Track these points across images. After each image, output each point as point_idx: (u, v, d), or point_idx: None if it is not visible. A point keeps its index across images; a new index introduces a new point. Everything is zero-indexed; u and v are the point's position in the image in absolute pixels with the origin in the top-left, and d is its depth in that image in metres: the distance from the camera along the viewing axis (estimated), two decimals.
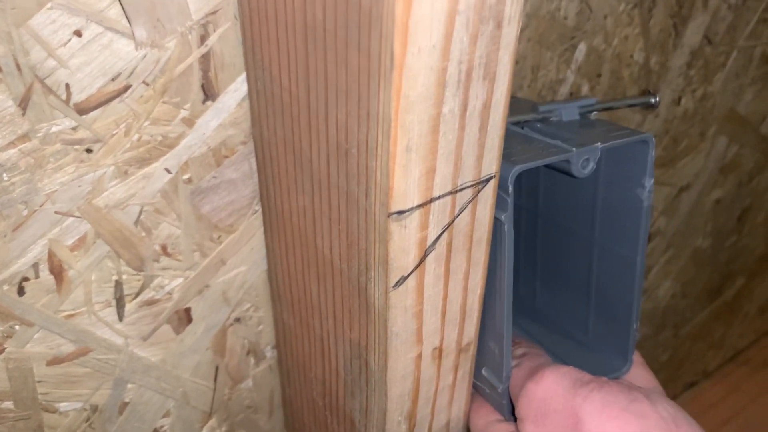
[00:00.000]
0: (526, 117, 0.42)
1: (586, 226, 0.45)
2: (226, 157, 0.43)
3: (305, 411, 0.52)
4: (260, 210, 0.47)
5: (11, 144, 0.36)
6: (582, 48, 0.57)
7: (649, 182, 0.40)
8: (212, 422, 0.54)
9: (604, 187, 0.42)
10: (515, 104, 0.46)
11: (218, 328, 0.50)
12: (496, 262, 0.38)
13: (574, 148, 0.37)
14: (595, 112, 0.44)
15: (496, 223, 0.36)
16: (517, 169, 0.35)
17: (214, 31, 0.39)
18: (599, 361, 0.46)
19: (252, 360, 0.54)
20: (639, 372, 0.44)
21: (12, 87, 0.34)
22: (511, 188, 0.35)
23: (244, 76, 0.41)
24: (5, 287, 0.39)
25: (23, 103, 0.35)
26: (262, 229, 0.48)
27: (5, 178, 0.36)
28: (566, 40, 0.56)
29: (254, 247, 0.48)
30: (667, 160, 0.75)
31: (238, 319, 0.50)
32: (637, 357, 0.45)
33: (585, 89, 0.60)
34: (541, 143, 0.38)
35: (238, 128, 0.43)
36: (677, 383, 1.15)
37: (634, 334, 0.44)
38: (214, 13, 0.38)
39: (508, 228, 0.36)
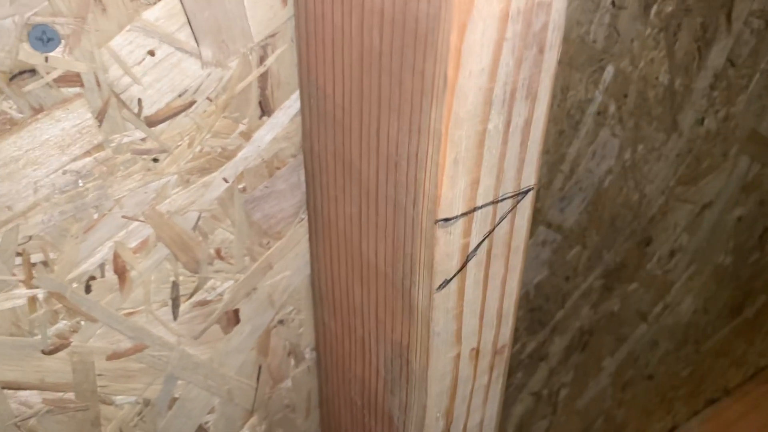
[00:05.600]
0: None
1: None
2: (278, 168, 0.46)
3: (342, 410, 0.55)
4: (306, 218, 0.50)
5: (87, 153, 0.39)
6: (610, 70, 0.60)
7: None
8: (253, 420, 0.57)
9: None
10: None
11: (263, 329, 0.53)
12: None
13: None
14: None
15: None
16: None
17: (273, 52, 0.42)
18: None
19: (292, 361, 0.56)
20: None
21: (91, 101, 0.38)
22: None
23: (297, 93, 0.44)
24: (74, 285, 0.43)
25: (100, 116, 0.38)
26: (306, 236, 0.51)
27: (80, 184, 0.40)
28: (595, 62, 0.59)
29: (299, 253, 0.51)
30: (689, 178, 0.78)
31: (281, 321, 0.53)
32: None
33: (612, 109, 0.63)
34: None
35: (290, 142, 0.46)
36: (698, 399, 1.16)
37: None
38: (273, 35, 0.41)
39: None
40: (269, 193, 0.47)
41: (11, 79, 0.35)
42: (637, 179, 0.72)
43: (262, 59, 0.42)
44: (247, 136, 0.44)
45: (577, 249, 0.72)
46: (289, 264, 0.51)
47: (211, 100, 0.41)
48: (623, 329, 0.88)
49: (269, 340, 0.54)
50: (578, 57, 0.57)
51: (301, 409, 0.60)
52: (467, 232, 0.36)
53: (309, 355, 0.57)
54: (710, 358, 1.11)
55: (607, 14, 0.57)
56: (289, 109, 0.45)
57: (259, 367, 0.54)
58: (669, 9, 0.61)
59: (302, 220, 0.50)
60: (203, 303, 0.48)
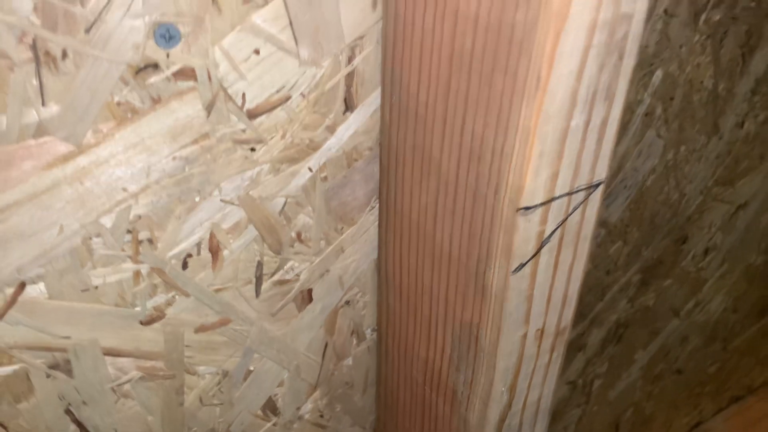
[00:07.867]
0: None
1: None
2: (356, 160, 0.50)
3: (401, 387, 0.58)
4: (376, 206, 0.54)
5: (195, 141, 0.43)
6: (659, 74, 0.64)
7: None
8: (316, 395, 0.61)
9: None
10: None
11: (331, 308, 0.57)
12: None
13: None
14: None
15: None
16: None
17: (360, 52, 0.46)
18: None
19: (354, 340, 0.60)
20: None
21: (203, 94, 0.42)
22: None
23: (378, 91, 0.48)
24: (173, 261, 0.47)
25: (209, 108, 0.42)
26: (375, 223, 0.54)
27: (186, 170, 0.44)
28: (646, 66, 0.62)
29: (367, 239, 0.55)
30: (727, 179, 0.81)
31: (348, 302, 0.57)
32: None
33: (658, 111, 0.66)
34: None
35: (368, 136, 0.50)
36: (723, 396, 1.19)
37: None
38: (361, 37, 0.45)
39: None
40: (346, 183, 0.51)
41: (137, 72, 0.39)
42: (678, 179, 0.75)
43: (350, 59, 0.46)
44: (331, 129, 0.48)
45: (619, 244, 0.75)
46: (359, 249, 0.55)
47: (304, 96, 0.45)
48: (656, 323, 0.92)
49: (336, 319, 0.58)
50: None
51: (359, 386, 0.64)
52: (544, 220, 0.39)
53: (369, 335, 0.61)
54: (736, 357, 1.14)
55: (659, 21, 0.60)
56: (370, 106, 0.48)
57: (326, 345, 0.58)
58: (717, 17, 0.64)
59: (373, 208, 0.54)
60: (282, 282, 0.52)
